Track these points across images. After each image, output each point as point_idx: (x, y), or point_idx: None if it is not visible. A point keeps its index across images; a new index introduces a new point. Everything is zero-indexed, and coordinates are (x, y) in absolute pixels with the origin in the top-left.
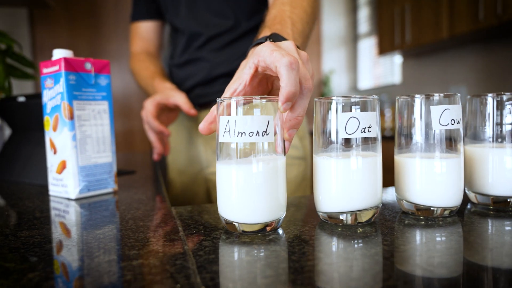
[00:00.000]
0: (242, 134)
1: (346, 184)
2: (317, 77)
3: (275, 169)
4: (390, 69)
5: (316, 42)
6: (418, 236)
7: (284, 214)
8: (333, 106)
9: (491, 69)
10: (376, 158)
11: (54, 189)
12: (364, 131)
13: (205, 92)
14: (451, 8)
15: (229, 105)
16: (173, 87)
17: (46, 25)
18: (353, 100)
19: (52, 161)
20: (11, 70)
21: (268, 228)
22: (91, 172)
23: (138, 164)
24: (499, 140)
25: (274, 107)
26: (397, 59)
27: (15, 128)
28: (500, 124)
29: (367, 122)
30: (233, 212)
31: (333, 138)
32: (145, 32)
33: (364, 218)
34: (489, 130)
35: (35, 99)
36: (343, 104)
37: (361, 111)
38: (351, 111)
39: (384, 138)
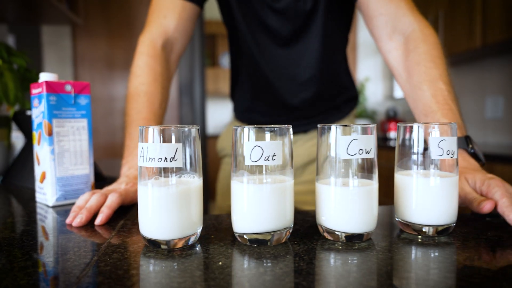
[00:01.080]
0: (152, 159)
1: (247, 208)
2: None
3: (186, 190)
4: None
5: (351, 49)
6: (317, 260)
7: (197, 232)
8: (245, 134)
9: None
10: (284, 184)
11: (38, 196)
12: (267, 159)
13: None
14: (485, 16)
15: (146, 133)
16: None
17: (86, 37)
18: (260, 129)
19: (37, 171)
20: (28, 85)
21: (178, 244)
22: (68, 182)
23: None
24: (423, 168)
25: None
26: None
27: (27, 138)
28: (424, 153)
29: (271, 151)
30: (143, 227)
31: (242, 164)
32: (185, 17)
33: (265, 238)
34: (414, 158)
35: None
36: (251, 132)
37: (271, 139)
38: (263, 139)
39: None
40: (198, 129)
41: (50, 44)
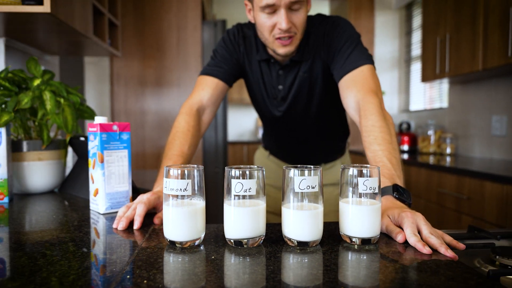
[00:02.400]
0: (172, 189)
1: (233, 222)
2: None
3: (193, 209)
4: (442, 92)
5: None
6: (276, 256)
7: (201, 237)
8: (232, 174)
9: None
10: (258, 207)
11: (92, 206)
12: (246, 191)
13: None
14: (485, 42)
15: (169, 171)
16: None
17: (122, 58)
18: (242, 171)
19: (91, 187)
20: (81, 113)
21: (187, 244)
22: (114, 196)
23: None
24: (357, 197)
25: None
26: (445, 84)
27: (79, 157)
28: (357, 186)
29: (248, 186)
30: (166, 232)
31: (230, 193)
32: (217, 92)
33: (244, 241)
34: (351, 190)
35: None
36: (236, 173)
37: (249, 178)
38: (244, 178)
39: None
40: (203, 169)
41: (91, 64)
